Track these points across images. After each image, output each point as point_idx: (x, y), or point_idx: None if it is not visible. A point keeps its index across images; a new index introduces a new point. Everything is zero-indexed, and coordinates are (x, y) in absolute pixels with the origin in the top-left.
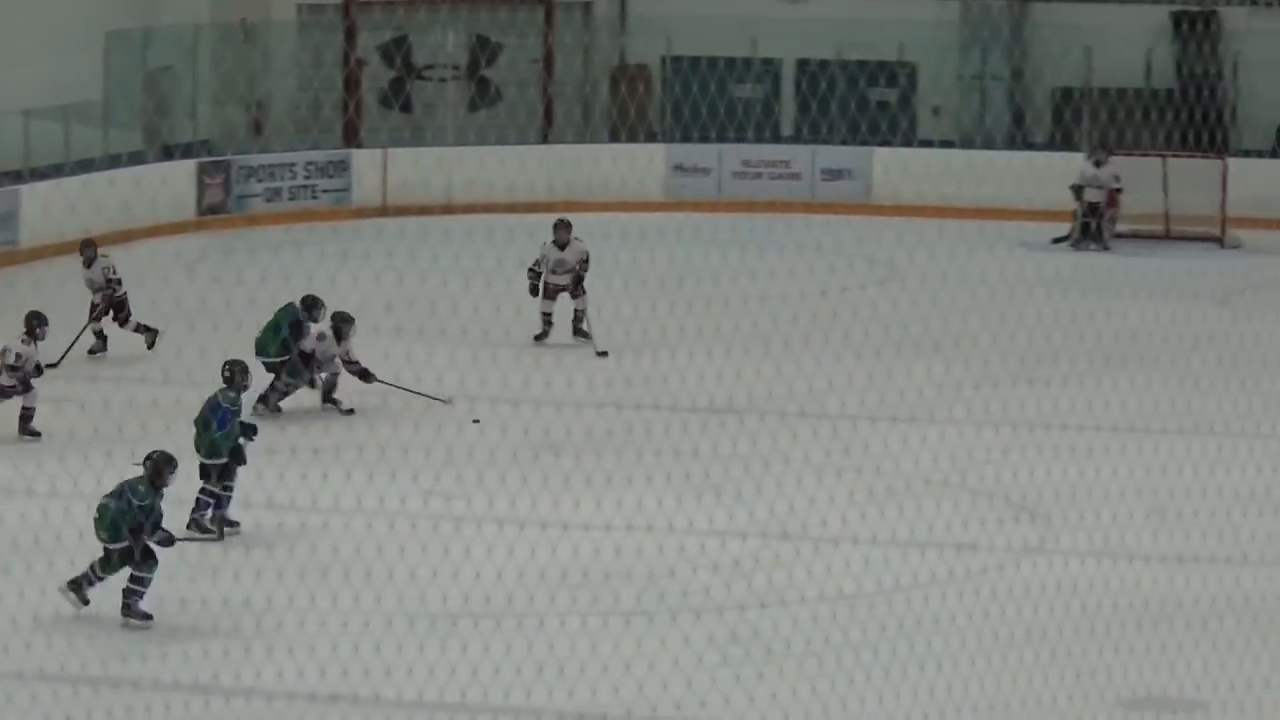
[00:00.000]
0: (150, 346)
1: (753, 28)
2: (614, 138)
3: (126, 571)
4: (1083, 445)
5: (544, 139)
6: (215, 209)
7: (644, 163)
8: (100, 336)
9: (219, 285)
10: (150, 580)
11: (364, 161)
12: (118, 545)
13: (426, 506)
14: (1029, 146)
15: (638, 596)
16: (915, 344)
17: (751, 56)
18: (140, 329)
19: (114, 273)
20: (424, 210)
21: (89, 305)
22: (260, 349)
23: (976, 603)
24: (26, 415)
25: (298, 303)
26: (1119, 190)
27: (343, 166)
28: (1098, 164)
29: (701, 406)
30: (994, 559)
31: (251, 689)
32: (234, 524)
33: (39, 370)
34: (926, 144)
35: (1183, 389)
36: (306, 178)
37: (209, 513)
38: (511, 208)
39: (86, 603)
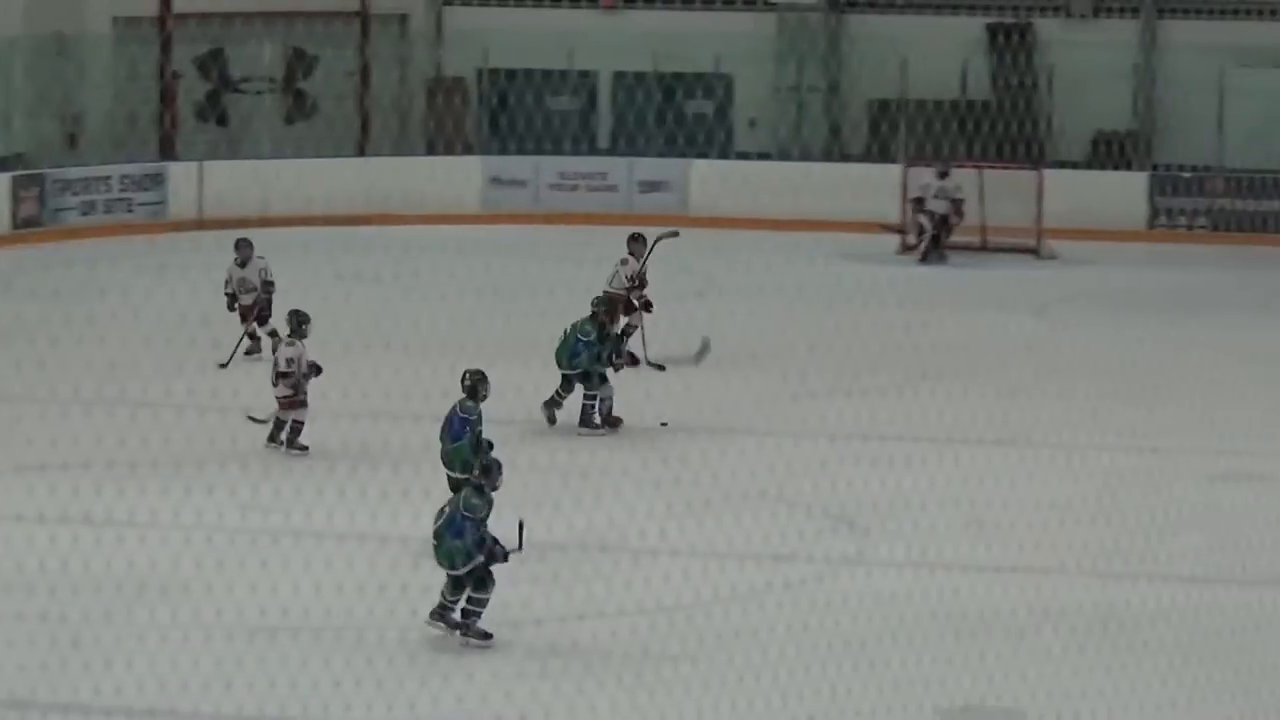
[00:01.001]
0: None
1: (569, 40)
2: (430, 150)
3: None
4: (900, 456)
5: (360, 151)
6: (30, 222)
7: (460, 175)
8: (254, 338)
9: (35, 299)
10: (489, 600)
11: (180, 174)
12: (462, 570)
13: (244, 520)
14: (845, 158)
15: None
16: (733, 356)
17: (568, 69)
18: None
19: (269, 274)
20: (241, 223)
21: (231, 303)
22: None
23: (795, 614)
24: (296, 429)
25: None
26: (962, 200)
27: (158, 179)
28: (942, 175)
29: (520, 419)
30: (812, 570)
31: (69, 705)
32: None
33: (316, 370)
34: (743, 156)
35: (1000, 400)
36: (122, 191)
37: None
38: (329, 220)
39: (456, 627)
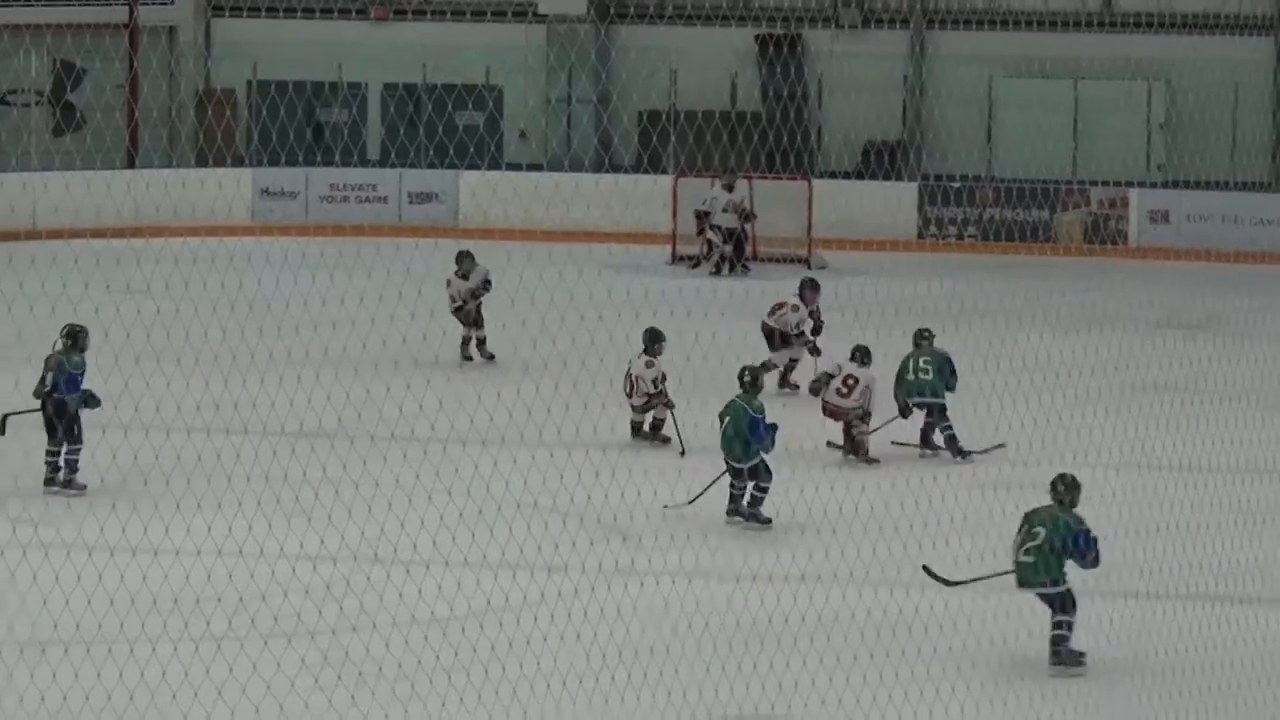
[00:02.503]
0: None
1: (339, 52)
2: (201, 162)
3: None
4: (672, 466)
5: (130, 164)
6: None
7: (231, 187)
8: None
9: None
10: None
11: None
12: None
13: (15, 534)
14: (616, 169)
15: (229, 621)
16: (503, 367)
17: (338, 81)
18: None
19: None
20: (8, 236)
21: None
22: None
23: (568, 624)
24: (657, 425)
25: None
26: (749, 212)
27: None
28: (728, 188)
29: (291, 430)
30: (585, 580)
31: None
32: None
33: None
34: (514, 167)
35: (771, 409)
36: None
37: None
38: (98, 233)
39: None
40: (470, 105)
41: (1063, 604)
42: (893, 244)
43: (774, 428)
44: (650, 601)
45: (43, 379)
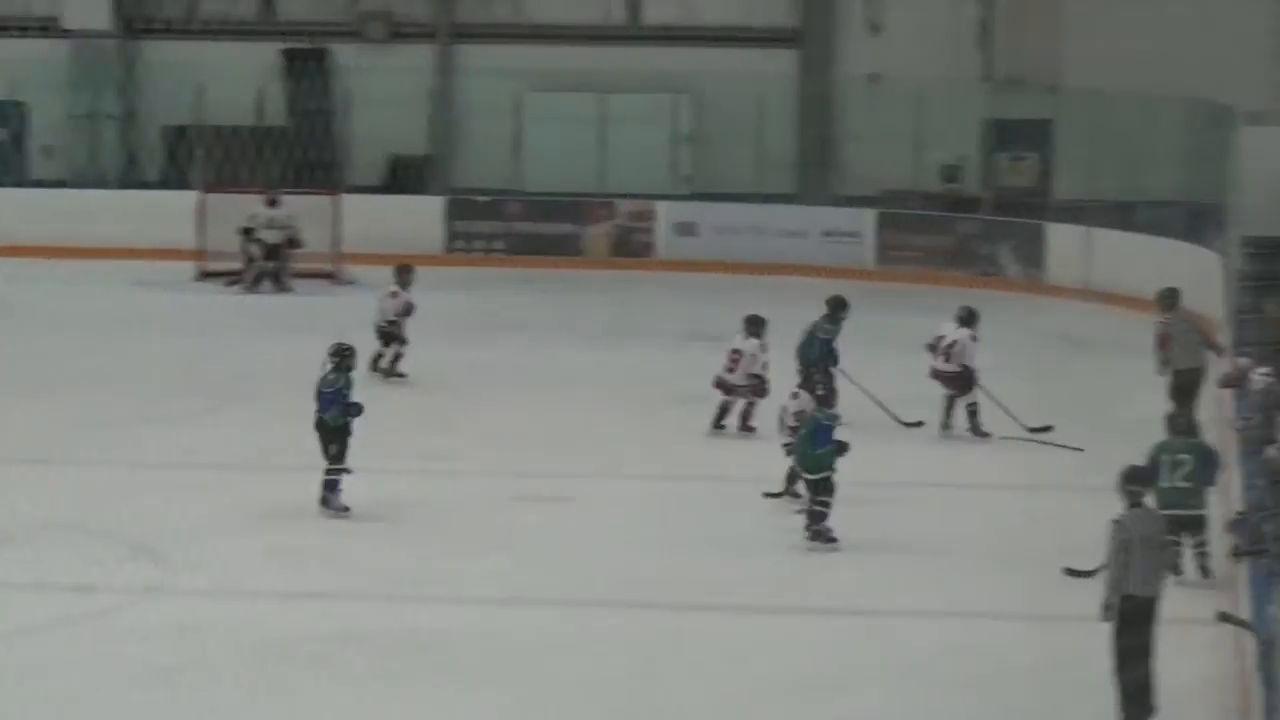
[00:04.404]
0: None
1: None
2: None
3: None
4: (200, 483)
5: None
6: None
7: None
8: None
9: None
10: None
11: None
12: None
13: None
14: (143, 185)
15: None
16: (32, 385)
17: None
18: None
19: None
20: None
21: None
22: None
23: (98, 644)
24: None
25: None
26: (296, 229)
27: None
28: (272, 204)
29: None
30: (114, 600)
31: None
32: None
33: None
34: (39, 184)
35: (301, 425)
36: None
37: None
38: None
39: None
40: None
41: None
42: (420, 258)
43: (840, 446)
44: (180, 620)
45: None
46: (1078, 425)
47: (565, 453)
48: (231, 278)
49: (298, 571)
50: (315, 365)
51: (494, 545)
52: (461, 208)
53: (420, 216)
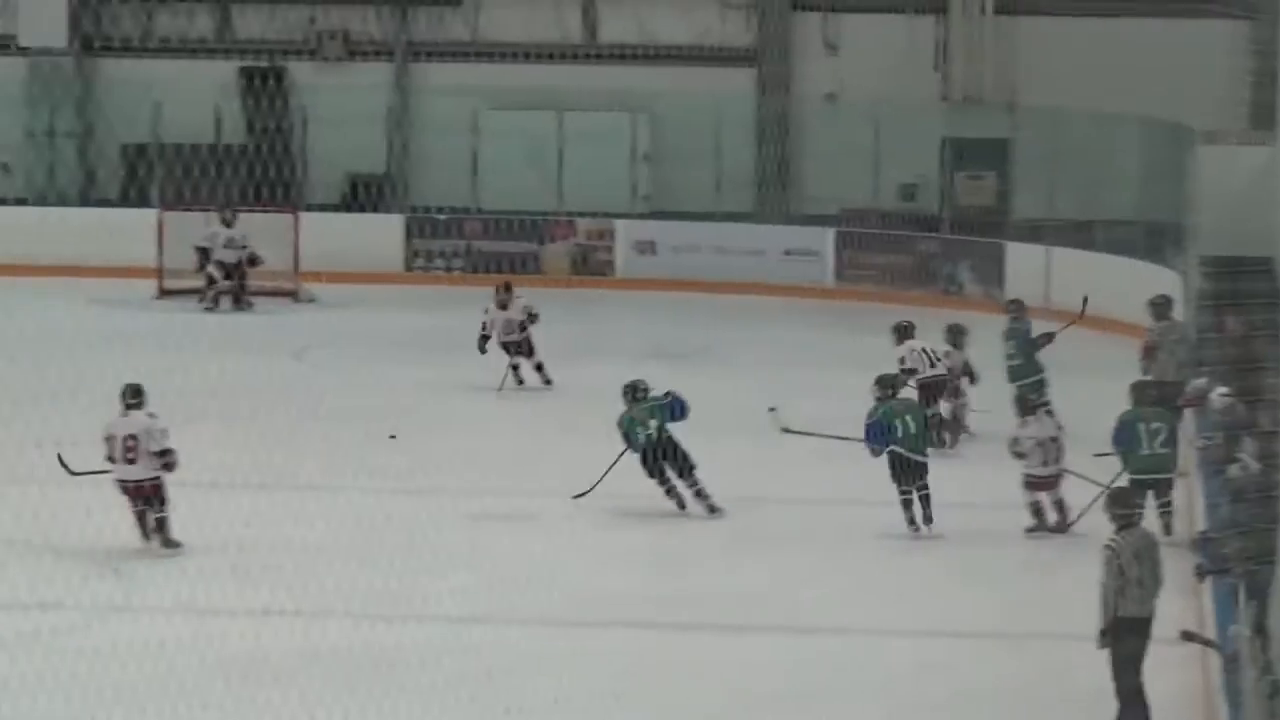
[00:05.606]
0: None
1: None
2: None
3: None
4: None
5: None
6: None
7: None
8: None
9: None
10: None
11: None
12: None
13: None
14: (101, 203)
15: None
16: None
17: None
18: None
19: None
20: None
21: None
22: None
23: (62, 662)
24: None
25: None
26: (250, 250)
27: None
28: (227, 224)
29: None
30: (80, 617)
31: None
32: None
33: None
34: None
35: (264, 442)
36: None
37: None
38: None
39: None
40: None
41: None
42: (380, 276)
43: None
44: (145, 638)
45: None
46: None
47: (527, 471)
48: (199, 295)
49: (263, 589)
50: (278, 382)
51: (458, 563)
52: (421, 226)
53: (380, 235)
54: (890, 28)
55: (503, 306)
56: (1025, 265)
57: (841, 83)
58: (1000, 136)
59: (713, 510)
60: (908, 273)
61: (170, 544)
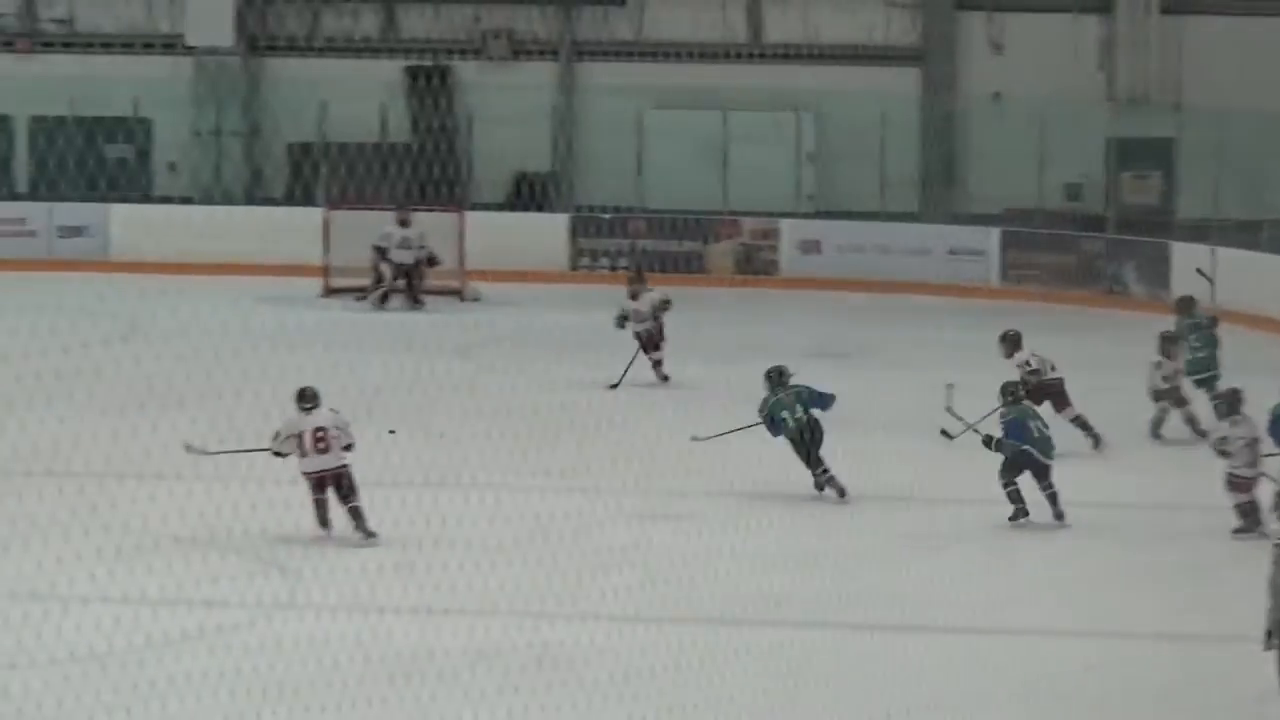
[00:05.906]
0: None
1: None
2: None
3: None
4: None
5: None
6: None
7: None
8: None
9: None
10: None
11: None
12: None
13: None
14: (267, 202)
15: None
16: (160, 400)
17: None
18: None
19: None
20: None
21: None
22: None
23: (227, 659)
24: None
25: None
26: (428, 250)
27: None
28: (404, 223)
29: None
30: (245, 615)
31: None
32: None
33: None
34: (165, 200)
35: (429, 441)
36: None
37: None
38: None
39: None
40: (120, 138)
41: None
42: (545, 275)
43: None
44: (310, 635)
45: None
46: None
47: (694, 469)
48: (359, 293)
49: (428, 587)
50: (444, 381)
51: (622, 562)
52: (585, 225)
53: (545, 234)
54: (1055, 27)
55: (633, 297)
56: (1191, 265)
57: (1006, 82)
58: (1165, 136)
59: (842, 494)
60: (1072, 273)
61: (368, 534)
